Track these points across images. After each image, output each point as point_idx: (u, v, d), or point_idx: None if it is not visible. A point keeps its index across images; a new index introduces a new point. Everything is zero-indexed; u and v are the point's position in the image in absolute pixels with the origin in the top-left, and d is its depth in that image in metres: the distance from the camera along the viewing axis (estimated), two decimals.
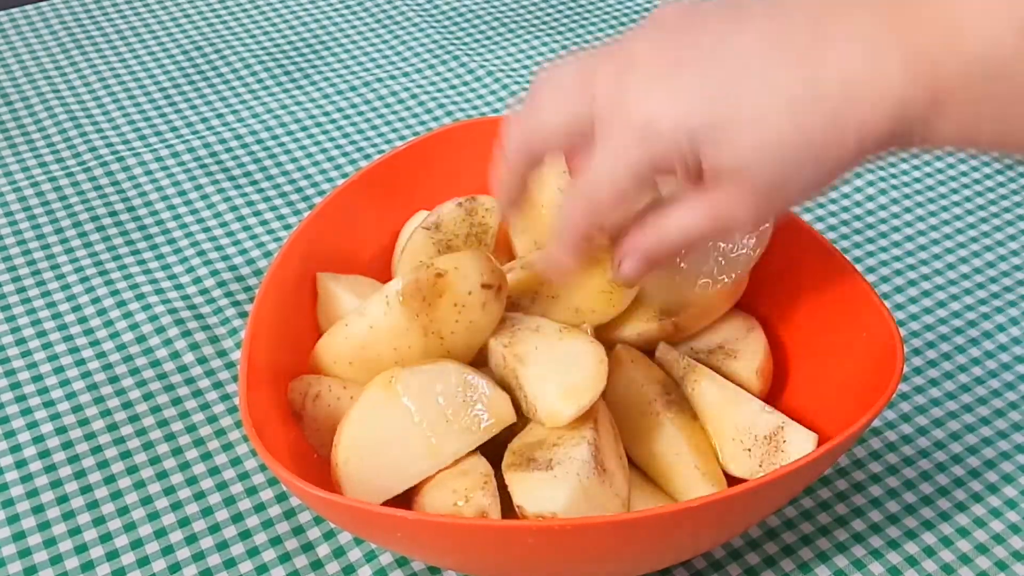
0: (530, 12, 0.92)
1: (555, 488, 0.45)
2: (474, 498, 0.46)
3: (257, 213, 0.71)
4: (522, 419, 0.49)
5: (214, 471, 0.56)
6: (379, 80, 0.84)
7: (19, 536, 0.53)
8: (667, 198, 0.44)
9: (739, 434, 0.51)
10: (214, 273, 0.67)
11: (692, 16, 0.43)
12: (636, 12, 0.92)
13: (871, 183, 0.75)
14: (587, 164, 0.43)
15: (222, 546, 0.53)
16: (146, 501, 0.54)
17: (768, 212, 0.44)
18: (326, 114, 0.80)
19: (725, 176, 0.41)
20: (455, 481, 0.47)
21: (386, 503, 0.48)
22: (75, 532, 0.53)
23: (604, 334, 0.53)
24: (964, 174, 0.75)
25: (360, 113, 0.80)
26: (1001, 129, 0.40)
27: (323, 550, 0.53)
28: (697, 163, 0.41)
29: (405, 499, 0.48)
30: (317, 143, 0.77)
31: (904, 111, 0.39)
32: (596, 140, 0.43)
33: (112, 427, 0.58)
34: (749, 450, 0.50)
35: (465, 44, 0.88)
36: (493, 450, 0.49)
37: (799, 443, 0.49)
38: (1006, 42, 0.37)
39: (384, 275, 0.58)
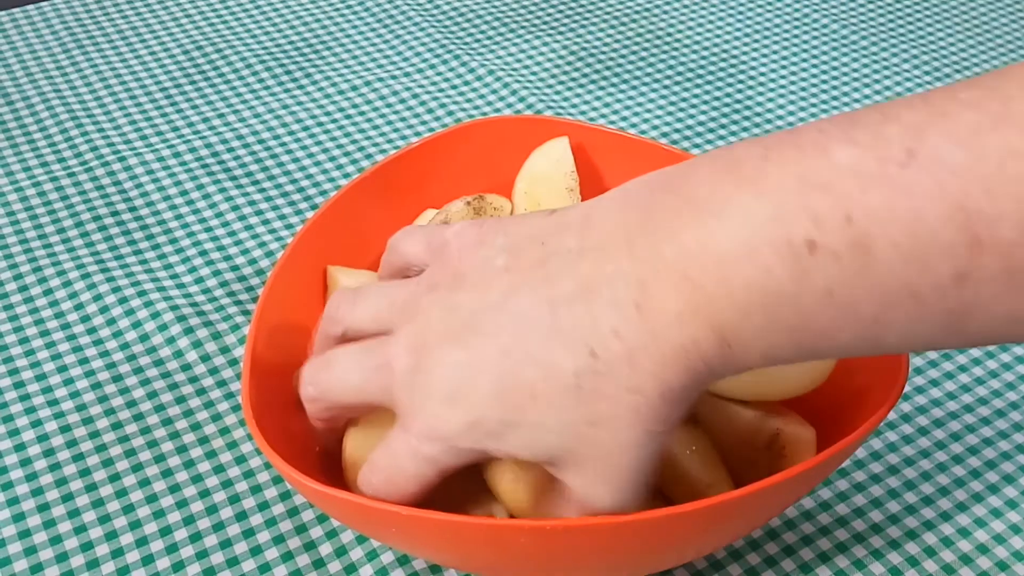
0: (531, 12, 0.92)
1: None
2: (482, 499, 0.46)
3: (259, 212, 0.71)
4: None
5: (218, 469, 0.56)
6: (380, 80, 0.84)
7: (24, 534, 0.53)
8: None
9: (741, 448, 0.51)
10: (216, 273, 0.67)
11: (473, 264, 0.42)
12: (636, 12, 0.92)
13: None
14: (381, 450, 0.43)
15: (225, 544, 0.53)
16: (151, 499, 0.54)
17: (629, 486, 0.41)
18: (327, 114, 0.80)
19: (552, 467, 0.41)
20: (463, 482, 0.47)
21: None
22: (80, 530, 0.53)
23: None
24: None
25: (361, 113, 0.80)
26: (801, 346, 0.37)
27: (325, 549, 0.53)
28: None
29: None
30: (319, 143, 0.78)
31: (693, 359, 0.37)
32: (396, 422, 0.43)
33: (116, 425, 0.58)
34: (756, 463, 0.50)
35: (466, 44, 0.88)
36: None
37: (799, 445, 0.49)
38: (776, 268, 0.35)
39: None
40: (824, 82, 0.85)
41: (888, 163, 0.34)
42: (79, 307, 0.64)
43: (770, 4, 0.94)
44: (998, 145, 0.33)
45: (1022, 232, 0.33)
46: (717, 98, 0.83)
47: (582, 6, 0.93)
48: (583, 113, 0.81)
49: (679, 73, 0.86)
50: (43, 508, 0.54)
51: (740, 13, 0.93)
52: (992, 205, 0.33)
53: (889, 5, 0.95)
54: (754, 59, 0.88)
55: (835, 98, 0.83)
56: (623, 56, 0.87)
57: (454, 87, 0.83)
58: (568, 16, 0.92)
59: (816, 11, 0.93)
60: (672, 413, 0.39)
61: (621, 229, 0.38)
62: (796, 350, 0.37)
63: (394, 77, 0.84)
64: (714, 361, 0.37)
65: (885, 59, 0.88)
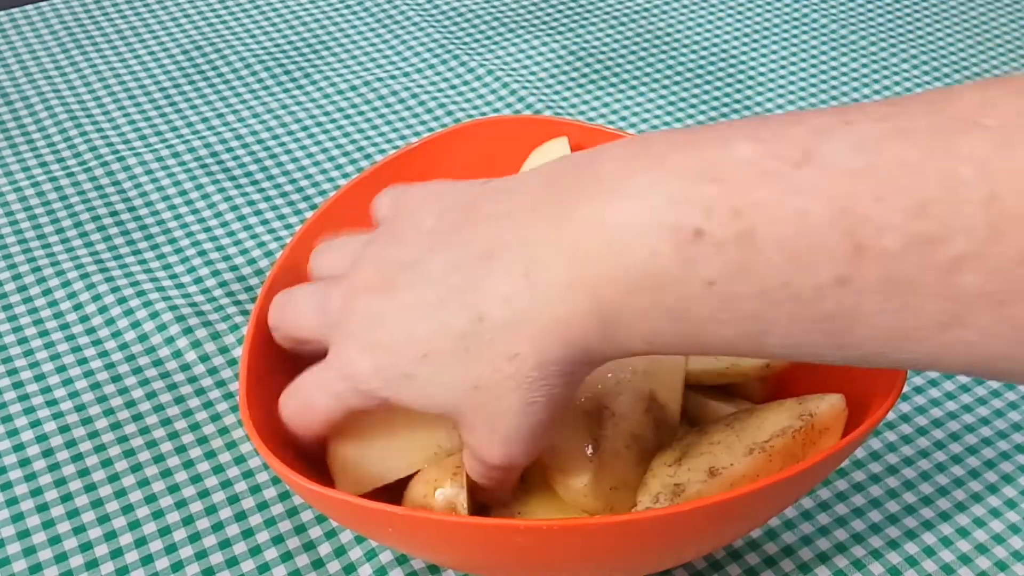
0: (530, 12, 0.92)
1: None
2: (443, 488, 0.46)
3: (258, 212, 0.71)
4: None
5: (217, 469, 0.56)
6: (379, 80, 0.84)
7: (23, 534, 0.53)
8: None
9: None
10: (215, 273, 0.67)
11: (409, 224, 0.44)
12: (636, 12, 0.92)
13: None
14: (306, 377, 0.46)
15: (224, 544, 0.53)
16: (150, 499, 0.54)
17: (517, 447, 0.42)
18: (327, 114, 0.80)
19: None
20: (430, 472, 0.47)
21: (385, 495, 0.48)
22: (79, 530, 0.53)
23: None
24: None
25: (361, 113, 0.80)
26: (685, 335, 0.37)
27: (324, 549, 0.53)
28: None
29: (399, 492, 0.49)
30: (318, 143, 0.78)
31: (574, 333, 0.37)
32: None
33: (115, 425, 0.58)
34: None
35: (465, 44, 0.88)
36: None
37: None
38: (663, 252, 0.35)
39: None
40: (823, 82, 0.85)
41: (783, 161, 0.34)
42: (78, 307, 0.64)
43: (769, 4, 0.94)
44: (894, 155, 0.33)
45: (905, 244, 0.32)
46: (716, 98, 0.83)
47: (582, 6, 0.93)
48: (582, 113, 0.81)
49: (678, 73, 0.86)
50: (42, 508, 0.54)
51: (739, 13, 0.93)
52: (879, 214, 0.33)
53: (889, 5, 0.95)
54: (753, 59, 0.88)
55: (834, 98, 0.83)
56: (623, 56, 0.87)
57: (454, 87, 0.83)
58: (568, 16, 0.92)
59: (815, 11, 0.93)
60: (552, 385, 0.39)
61: (530, 198, 0.39)
62: (678, 339, 0.37)
63: (393, 77, 0.84)
64: (593, 338, 0.38)
65: (884, 59, 0.88)
